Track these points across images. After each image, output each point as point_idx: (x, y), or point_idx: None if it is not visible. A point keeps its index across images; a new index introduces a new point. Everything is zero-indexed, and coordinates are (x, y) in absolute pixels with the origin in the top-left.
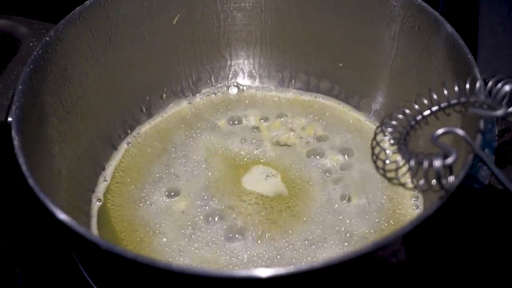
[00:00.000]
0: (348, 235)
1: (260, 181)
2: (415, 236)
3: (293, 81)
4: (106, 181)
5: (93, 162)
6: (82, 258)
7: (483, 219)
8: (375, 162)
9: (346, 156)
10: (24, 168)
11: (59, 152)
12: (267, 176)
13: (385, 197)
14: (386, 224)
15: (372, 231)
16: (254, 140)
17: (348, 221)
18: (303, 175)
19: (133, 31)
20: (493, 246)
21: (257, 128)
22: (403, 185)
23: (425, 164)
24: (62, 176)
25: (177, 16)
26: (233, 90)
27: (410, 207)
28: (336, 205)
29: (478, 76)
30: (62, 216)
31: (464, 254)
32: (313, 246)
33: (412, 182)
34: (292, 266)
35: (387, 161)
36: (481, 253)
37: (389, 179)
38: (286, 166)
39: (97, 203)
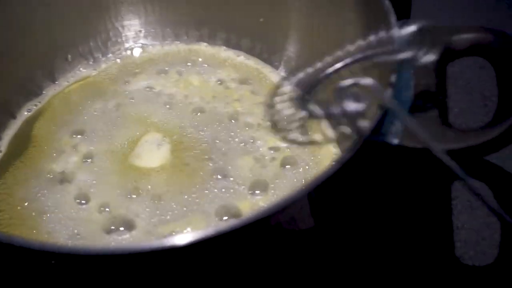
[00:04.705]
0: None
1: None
2: (324, 201)
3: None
4: (1, 151)
5: None
6: None
7: (395, 180)
8: (271, 114)
9: None
10: None
11: None
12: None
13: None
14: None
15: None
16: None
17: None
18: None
19: None
20: (406, 208)
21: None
22: (296, 142)
23: (335, 111)
24: None
25: None
26: (150, 49)
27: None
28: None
29: (394, 23)
30: None
31: (377, 218)
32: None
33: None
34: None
35: (285, 112)
36: (395, 219)
37: (280, 132)
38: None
39: None
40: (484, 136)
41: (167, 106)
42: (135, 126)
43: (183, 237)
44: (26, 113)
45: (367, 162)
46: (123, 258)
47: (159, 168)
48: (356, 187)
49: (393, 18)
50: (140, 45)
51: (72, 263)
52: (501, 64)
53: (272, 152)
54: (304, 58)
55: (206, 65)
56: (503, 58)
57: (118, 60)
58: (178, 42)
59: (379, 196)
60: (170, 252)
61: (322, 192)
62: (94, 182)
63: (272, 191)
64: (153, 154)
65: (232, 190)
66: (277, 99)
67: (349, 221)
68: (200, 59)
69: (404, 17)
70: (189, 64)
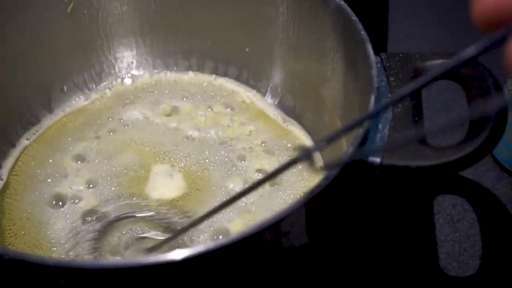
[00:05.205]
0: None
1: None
2: (313, 219)
3: (202, 69)
4: (2, 180)
5: None
6: None
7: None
8: None
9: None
10: None
11: None
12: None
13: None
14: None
15: None
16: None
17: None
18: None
19: (25, 20)
20: (391, 223)
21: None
22: None
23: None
24: None
25: (72, 3)
26: (142, 79)
27: None
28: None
29: (370, 51)
30: None
31: (365, 233)
32: None
33: None
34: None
35: None
36: (382, 233)
37: None
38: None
39: None
40: (459, 153)
41: (161, 133)
42: (132, 153)
43: (180, 252)
44: (25, 141)
45: (353, 181)
46: (127, 272)
47: (175, 197)
48: (342, 205)
49: (369, 46)
50: (132, 75)
51: (77, 277)
52: (470, 87)
53: (259, 174)
54: (288, 85)
55: (196, 93)
56: (472, 82)
57: (112, 90)
58: (167, 71)
59: (366, 214)
60: (169, 266)
61: (311, 210)
62: (97, 206)
63: (260, 211)
64: (168, 184)
65: (224, 212)
66: None
67: (339, 237)
68: (190, 88)
69: (380, 45)
70: (179, 92)
